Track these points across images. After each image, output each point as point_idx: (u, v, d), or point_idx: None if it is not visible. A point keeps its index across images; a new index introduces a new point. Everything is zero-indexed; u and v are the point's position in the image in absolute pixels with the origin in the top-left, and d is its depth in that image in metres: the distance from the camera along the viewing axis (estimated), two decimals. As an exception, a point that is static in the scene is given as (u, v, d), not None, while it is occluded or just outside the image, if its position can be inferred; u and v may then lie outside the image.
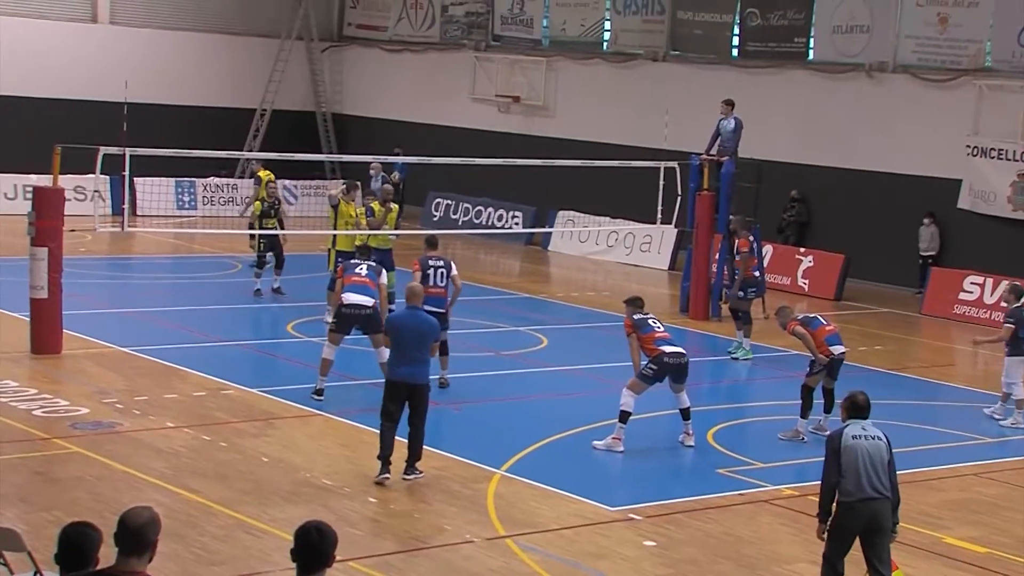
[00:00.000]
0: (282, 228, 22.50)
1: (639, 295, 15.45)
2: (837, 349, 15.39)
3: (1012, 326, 16.48)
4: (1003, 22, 25.39)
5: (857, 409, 9.76)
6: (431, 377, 13.34)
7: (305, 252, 23.43)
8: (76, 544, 6.13)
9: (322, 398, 15.54)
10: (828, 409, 15.42)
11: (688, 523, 12.28)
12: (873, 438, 9.57)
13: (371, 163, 27.47)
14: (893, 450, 9.67)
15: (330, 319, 16.83)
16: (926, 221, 26.01)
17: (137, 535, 6.12)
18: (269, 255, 22.44)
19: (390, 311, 15.82)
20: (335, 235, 20.08)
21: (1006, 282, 23.53)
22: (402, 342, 12.74)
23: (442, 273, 16.26)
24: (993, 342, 17.25)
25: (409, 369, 12.66)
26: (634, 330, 14.66)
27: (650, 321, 14.80)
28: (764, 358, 20.05)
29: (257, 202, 22.89)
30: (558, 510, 12.40)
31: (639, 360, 14.58)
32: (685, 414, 14.79)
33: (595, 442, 14.50)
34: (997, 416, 16.82)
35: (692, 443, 14.78)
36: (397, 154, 27.00)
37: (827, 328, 15.49)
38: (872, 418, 9.76)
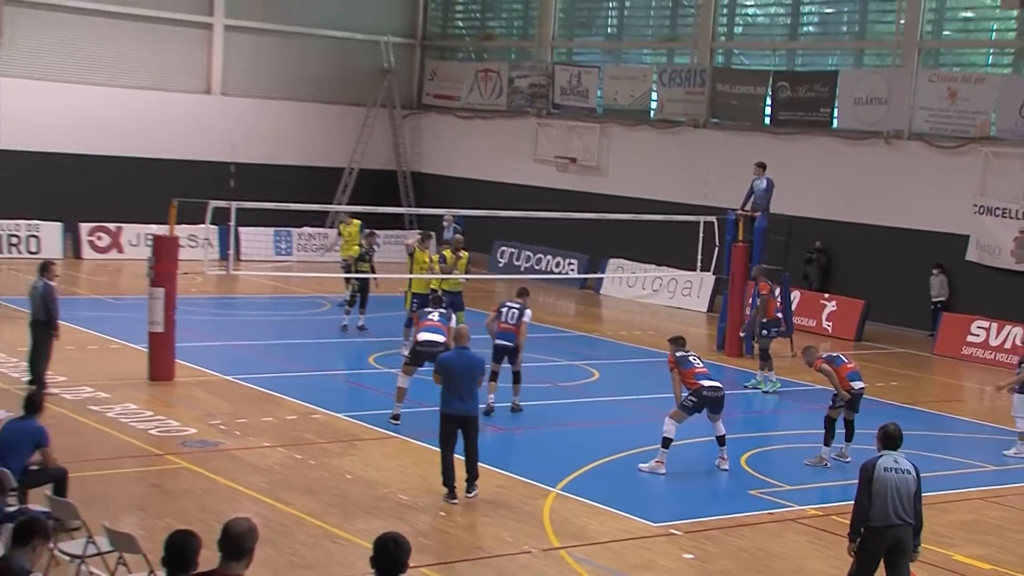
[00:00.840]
0: (373, 273, 22.64)
1: (681, 335, 15.40)
2: (857, 384, 15.25)
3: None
4: (1006, 97, 25.16)
5: (890, 440, 9.63)
6: (503, 403, 13.34)
7: (385, 294, 23.55)
8: (179, 549, 6.24)
9: (398, 422, 15.60)
10: (849, 438, 15.27)
11: (723, 539, 12.17)
12: (904, 471, 9.42)
13: (444, 216, 27.59)
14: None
15: (406, 352, 16.99)
16: (935, 271, 25.73)
17: (237, 542, 6.19)
18: (359, 296, 22.59)
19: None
20: (411, 279, 20.22)
21: (1021, 329, 23.29)
22: (453, 379, 12.71)
23: (514, 313, 16.63)
24: (1013, 385, 16.89)
25: (461, 404, 12.65)
26: (676, 366, 14.61)
27: (691, 358, 14.73)
28: (791, 392, 19.88)
29: (356, 247, 23.04)
30: (607, 525, 12.34)
31: (680, 392, 14.52)
32: (721, 440, 14.70)
33: (641, 465, 14.44)
34: (1021, 455, 16.27)
35: (727, 467, 14.67)
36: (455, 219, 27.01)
37: (849, 366, 15.37)
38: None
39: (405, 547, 6.16)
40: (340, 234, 25.29)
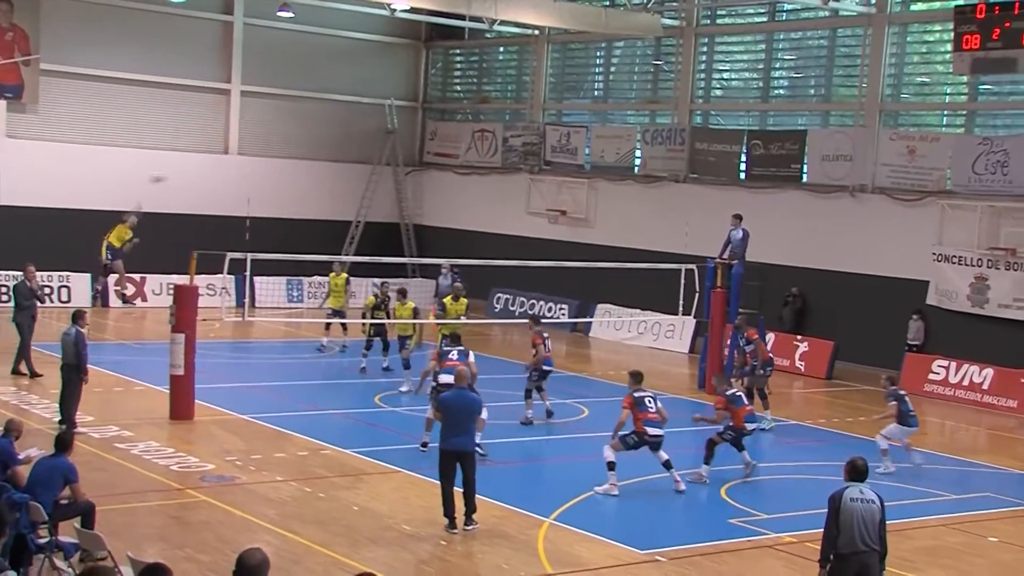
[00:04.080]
0: (388, 318, 22.73)
1: (639, 370, 15.55)
2: (750, 426, 15.82)
3: (895, 402, 17.23)
4: (960, 154, 25.32)
5: (857, 473, 9.65)
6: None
7: (355, 339, 23.55)
8: None
9: (426, 449, 15.63)
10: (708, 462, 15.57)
11: (705, 564, 12.13)
12: (869, 501, 9.44)
13: (442, 264, 27.75)
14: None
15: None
16: (915, 316, 25.67)
17: (251, 573, 6.17)
18: (376, 340, 22.77)
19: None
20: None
21: (971, 366, 23.39)
22: (451, 417, 12.71)
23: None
24: (888, 419, 17.35)
25: (458, 440, 12.64)
26: (632, 407, 14.73)
27: (646, 400, 14.91)
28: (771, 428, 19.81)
29: (371, 297, 23.26)
30: (597, 552, 12.30)
31: (622, 425, 14.77)
32: (667, 465, 14.87)
33: (596, 488, 14.51)
34: (890, 470, 16.71)
35: (683, 487, 14.86)
36: (452, 268, 27.18)
37: (747, 408, 15.72)
38: (856, 478, 9.66)
39: None
40: (329, 283, 25.37)
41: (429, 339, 23.00)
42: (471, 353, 17.00)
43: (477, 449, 15.63)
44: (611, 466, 14.52)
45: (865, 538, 9.31)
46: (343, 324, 25.07)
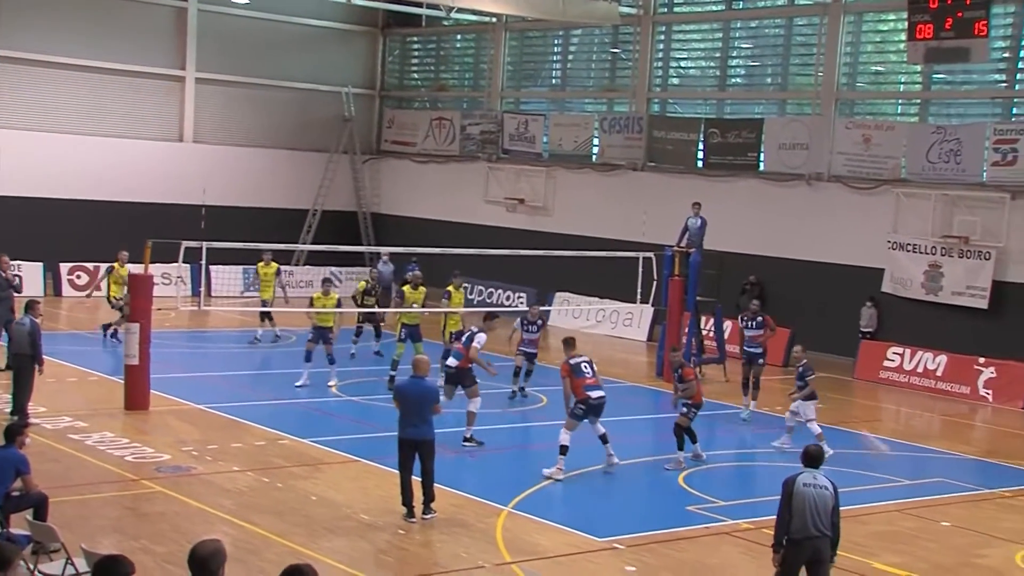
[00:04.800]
0: (379, 306, 22.55)
1: (573, 336, 15.91)
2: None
3: (812, 376, 17.25)
4: (914, 143, 25.56)
5: (810, 459, 9.75)
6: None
7: (345, 326, 23.45)
8: (105, 573, 5.99)
9: (472, 443, 16.18)
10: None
11: (663, 552, 12.20)
12: (821, 487, 9.52)
13: (381, 252, 27.83)
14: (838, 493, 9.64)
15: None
16: (868, 303, 25.91)
17: (202, 563, 6.14)
18: (366, 326, 23.11)
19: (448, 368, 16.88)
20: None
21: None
22: (406, 406, 12.70)
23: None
24: (799, 396, 17.21)
25: (414, 429, 12.61)
26: (570, 375, 14.82)
27: (583, 366, 14.98)
28: (726, 415, 19.97)
29: (363, 282, 23.24)
30: (555, 540, 12.33)
31: (570, 397, 14.84)
32: (603, 439, 15.02)
33: (544, 470, 14.62)
34: (787, 446, 16.80)
35: (616, 461, 15.01)
36: (412, 259, 26.98)
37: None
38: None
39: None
40: (257, 273, 25.04)
41: (389, 329, 22.94)
42: (478, 336, 17.08)
43: (472, 439, 15.81)
44: (563, 450, 14.62)
45: (817, 523, 9.41)
46: (268, 314, 24.65)
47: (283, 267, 32.21)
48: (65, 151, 31.27)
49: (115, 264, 24.02)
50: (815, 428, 16.92)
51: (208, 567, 6.10)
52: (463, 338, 17.16)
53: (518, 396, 20.16)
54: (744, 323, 20.49)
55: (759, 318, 20.39)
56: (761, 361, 20.05)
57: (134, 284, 17.72)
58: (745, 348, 20.22)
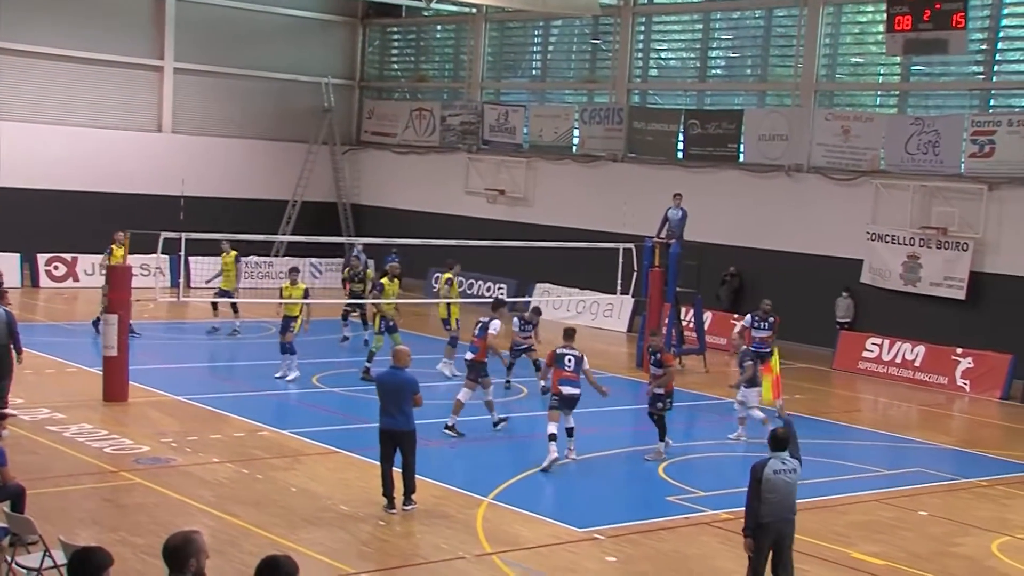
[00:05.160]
0: (366, 291, 22.48)
1: (574, 327, 16.16)
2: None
3: (751, 363, 17.18)
4: (893, 134, 25.68)
5: (778, 443, 9.80)
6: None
7: (324, 317, 23.40)
8: (82, 564, 5.93)
9: (499, 428, 16.66)
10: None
11: (643, 542, 12.23)
12: (791, 471, 9.62)
13: (354, 243, 27.73)
14: (810, 481, 9.73)
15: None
16: (844, 294, 26.03)
17: (174, 554, 6.12)
18: (353, 315, 23.57)
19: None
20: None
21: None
22: (383, 397, 12.66)
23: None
24: (741, 382, 17.22)
25: (392, 420, 12.58)
26: (553, 363, 14.88)
27: (566, 359, 14.97)
28: (705, 405, 20.03)
29: (347, 268, 23.46)
30: (535, 531, 12.35)
31: (544, 378, 15.57)
32: (570, 432, 15.11)
33: (544, 462, 14.63)
34: (743, 439, 16.87)
35: (574, 456, 15.09)
36: (392, 248, 26.80)
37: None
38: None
39: (285, 570, 5.93)
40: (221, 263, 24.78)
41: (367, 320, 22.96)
42: (493, 323, 17.42)
43: (453, 429, 15.89)
44: (552, 437, 14.63)
45: (785, 508, 9.56)
46: (233, 305, 24.56)
47: (264, 258, 32.30)
48: (42, 141, 31.06)
49: (112, 246, 23.80)
50: (757, 414, 16.97)
51: (180, 556, 6.08)
52: (475, 329, 17.43)
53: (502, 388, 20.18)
54: (755, 323, 20.40)
55: (770, 319, 20.39)
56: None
57: (113, 275, 17.60)
58: (753, 349, 19.91)
